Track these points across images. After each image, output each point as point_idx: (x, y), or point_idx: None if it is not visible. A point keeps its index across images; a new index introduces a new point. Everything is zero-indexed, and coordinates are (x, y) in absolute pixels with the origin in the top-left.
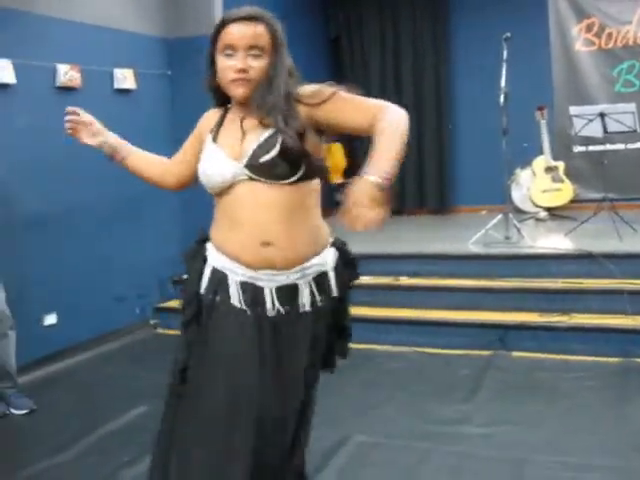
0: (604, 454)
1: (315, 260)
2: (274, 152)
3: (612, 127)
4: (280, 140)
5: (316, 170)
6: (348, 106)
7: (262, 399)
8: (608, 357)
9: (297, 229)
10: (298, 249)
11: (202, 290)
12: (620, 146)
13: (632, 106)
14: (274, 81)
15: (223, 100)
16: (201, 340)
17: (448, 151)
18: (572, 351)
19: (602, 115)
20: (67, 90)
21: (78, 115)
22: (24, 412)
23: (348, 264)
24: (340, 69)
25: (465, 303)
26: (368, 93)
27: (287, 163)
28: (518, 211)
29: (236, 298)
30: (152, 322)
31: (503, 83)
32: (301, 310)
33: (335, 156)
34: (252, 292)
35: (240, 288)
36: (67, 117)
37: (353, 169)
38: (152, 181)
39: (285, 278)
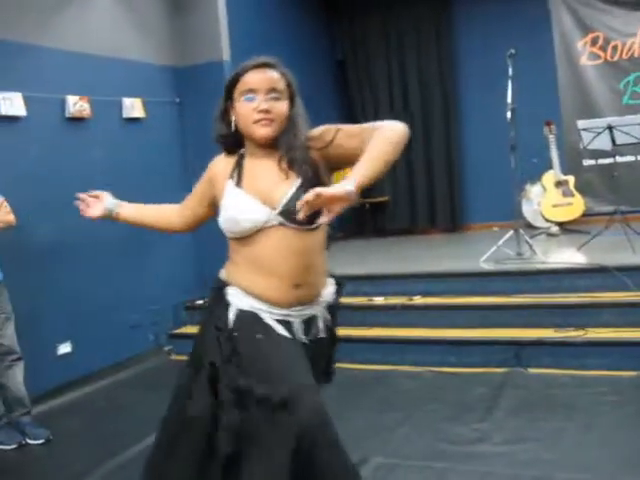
0: (626, 470)
1: (325, 292)
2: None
3: (621, 139)
4: (309, 182)
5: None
6: (351, 138)
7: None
8: (625, 371)
9: (318, 269)
10: (319, 286)
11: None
12: (630, 158)
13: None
14: (296, 126)
15: (234, 147)
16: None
17: (458, 169)
18: (589, 366)
19: (610, 128)
20: (77, 121)
21: (89, 199)
22: (41, 442)
23: (338, 293)
24: (347, 90)
25: (479, 321)
26: (376, 112)
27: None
28: (530, 227)
29: (279, 329)
30: (166, 349)
31: (510, 99)
32: (320, 336)
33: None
34: (285, 327)
35: (277, 324)
36: (79, 203)
37: (363, 191)
38: (155, 229)
39: (310, 311)
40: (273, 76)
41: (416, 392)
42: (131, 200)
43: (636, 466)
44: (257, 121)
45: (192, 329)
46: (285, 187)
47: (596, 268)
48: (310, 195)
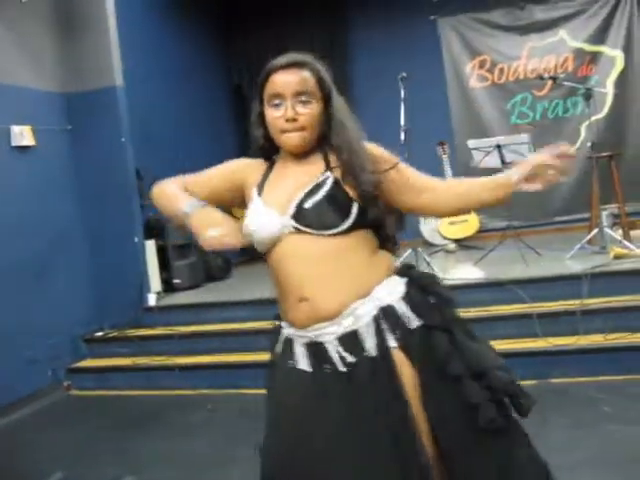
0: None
1: (367, 299)
2: (322, 194)
3: (509, 157)
4: (329, 184)
5: (371, 219)
6: (410, 180)
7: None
8: (524, 380)
9: (342, 279)
10: (342, 297)
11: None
12: None
13: (525, 137)
14: (344, 126)
15: (271, 153)
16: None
17: None
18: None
19: (499, 147)
20: None
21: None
22: None
23: (426, 288)
24: (244, 115)
25: None
26: None
27: (336, 209)
28: (428, 245)
29: (304, 362)
30: (65, 384)
31: (402, 121)
32: (371, 354)
33: None
34: (316, 351)
35: (306, 350)
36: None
37: None
38: None
39: (338, 327)
40: (301, 77)
41: None
42: (18, 232)
43: None
44: (285, 130)
45: (92, 362)
46: (302, 188)
47: (492, 282)
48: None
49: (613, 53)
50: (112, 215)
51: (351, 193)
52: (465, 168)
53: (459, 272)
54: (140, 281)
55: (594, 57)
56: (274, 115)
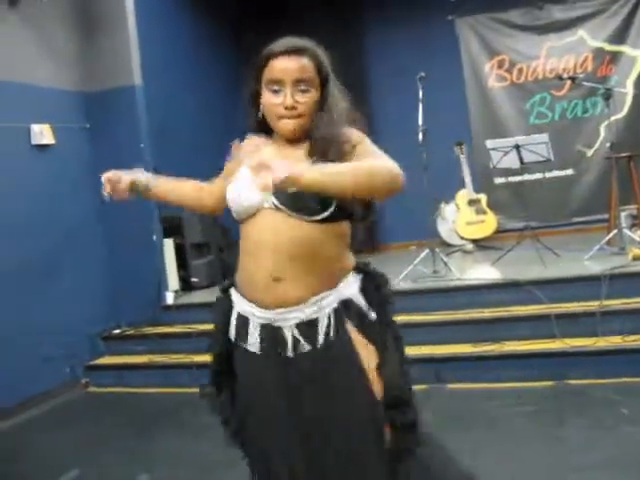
0: (543, 476)
1: (333, 291)
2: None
3: (528, 158)
4: None
5: (348, 212)
6: (365, 156)
7: (288, 447)
8: (541, 382)
9: (313, 266)
10: (312, 286)
11: (232, 337)
12: (538, 175)
13: (545, 136)
14: (329, 114)
15: (267, 130)
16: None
17: None
18: (506, 378)
19: (517, 147)
20: None
21: (112, 180)
22: None
23: (377, 285)
24: None
25: None
26: None
27: (317, 199)
28: (446, 245)
29: (255, 345)
30: (83, 381)
31: (420, 121)
32: (330, 339)
33: None
34: (272, 333)
35: (260, 332)
36: (105, 185)
37: None
38: (188, 206)
39: (301, 314)
40: (301, 65)
41: None
42: (41, 230)
43: (553, 471)
44: (282, 117)
45: (109, 360)
46: None
47: (509, 283)
48: (254, 162)
49: (634, 53)
50: (130, 213)
51: None
52: (483, 168)
53: (476, 272)
54: (158, 279)
55: (614, 57)
56: (273, 101)
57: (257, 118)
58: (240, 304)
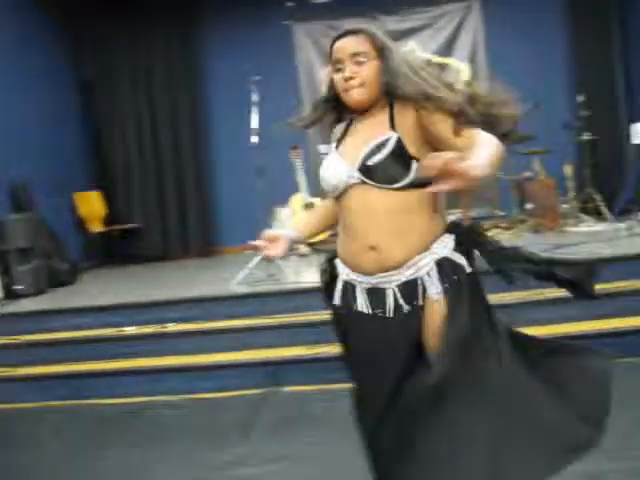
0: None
1: (428, 252)
2: (385, 152)
3: None
4: (393, 142)
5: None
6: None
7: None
8: None
9: (405, 232)
10: (406, 250)
11: (337, 301)
12: None
13: None
14: (397, 73)
15: (341, 112)
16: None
17: (209, 193)
18: (341, 379)
19: None
20: None
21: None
22: None
23: (473, 238)
24: (96, 111)
25: (235, 344)
26: (124, 135)
27: (398, 166)
28: None
29: (362, 306)
30: None
31: (256, 124)
32: (429, 299)
33: (94, 204)
34: (375, 295)
35: (367, 295)
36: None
37: (113, 217)
38: (332, 226)
39: (400, 277)
40: (354, 41)
41: (173, 422)
42: None
43: None
44: (346, 89)
45: None
46: (370, 142)
47: None
48: (437, 160)
49: (458, 66)
50: None
51: (412, 151)
52: (316, 173)
53: (311, 275)
54: None
55: (442, 69)
56: (337, 78)
57: (326, 97)
58: (344, 272)
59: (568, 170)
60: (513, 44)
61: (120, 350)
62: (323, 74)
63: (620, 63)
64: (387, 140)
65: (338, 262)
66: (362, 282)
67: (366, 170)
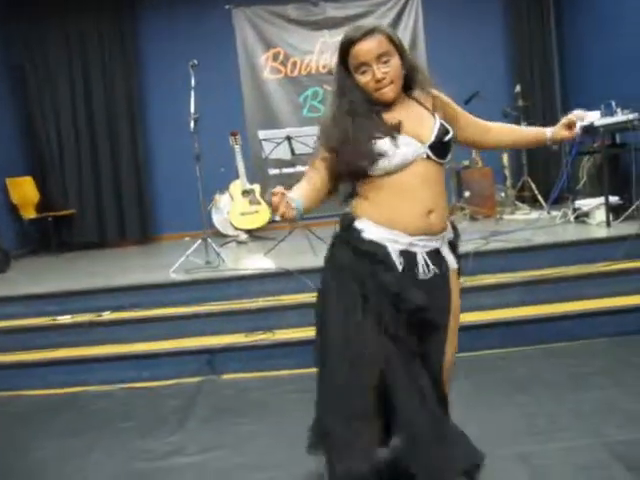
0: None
1: (448, 226)
2: (452, 134)
3: (299, 149)
4: (439, 122)
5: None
6: (471, 126)
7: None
8: (309, 368)
9: (445, 202)
10: (444, 218)
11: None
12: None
13: (315, 129)
14: (419, 70)
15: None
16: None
17: (146, 179)
18: (279, 366)
19: (289, 138)
20: None
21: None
22: None
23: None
24: (27, 95)
25: (171, 332)
26: (57, 119)
27: (449, 144)
28: (221, 235)
29: (397, 262)
30: None
31: (192, 109)
32: (446, 270)
33: (27, 190)
34: (407, 258)
35: (399, 255)
36: (277, 200)
37: (46, 203)
38: (320, 202)
39: (434, 244)
40: (377, 42)
41: (108, 412)
42: None
43: None
44: (377, 89)
45: None
46: (429, 123)
47: (280, 272)
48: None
49: None
50: None
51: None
52: (257, 159)
53: (249, 262)
54: None
55: None
56: (365, 80)
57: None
58: (374, 232)
59: (505, 159)
60: (453, 33)
61: (54, 340)
62: (262, 59)
63: (557, 55)
64: (441, 124)
65: (365, 224)
66: (399, 242)
67: (436, 147)
